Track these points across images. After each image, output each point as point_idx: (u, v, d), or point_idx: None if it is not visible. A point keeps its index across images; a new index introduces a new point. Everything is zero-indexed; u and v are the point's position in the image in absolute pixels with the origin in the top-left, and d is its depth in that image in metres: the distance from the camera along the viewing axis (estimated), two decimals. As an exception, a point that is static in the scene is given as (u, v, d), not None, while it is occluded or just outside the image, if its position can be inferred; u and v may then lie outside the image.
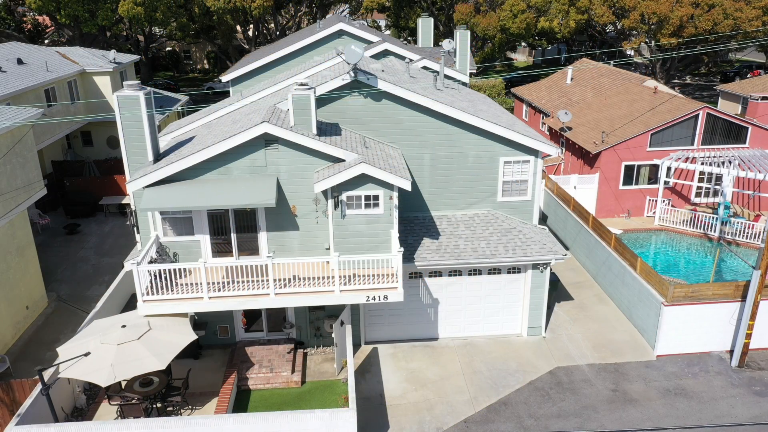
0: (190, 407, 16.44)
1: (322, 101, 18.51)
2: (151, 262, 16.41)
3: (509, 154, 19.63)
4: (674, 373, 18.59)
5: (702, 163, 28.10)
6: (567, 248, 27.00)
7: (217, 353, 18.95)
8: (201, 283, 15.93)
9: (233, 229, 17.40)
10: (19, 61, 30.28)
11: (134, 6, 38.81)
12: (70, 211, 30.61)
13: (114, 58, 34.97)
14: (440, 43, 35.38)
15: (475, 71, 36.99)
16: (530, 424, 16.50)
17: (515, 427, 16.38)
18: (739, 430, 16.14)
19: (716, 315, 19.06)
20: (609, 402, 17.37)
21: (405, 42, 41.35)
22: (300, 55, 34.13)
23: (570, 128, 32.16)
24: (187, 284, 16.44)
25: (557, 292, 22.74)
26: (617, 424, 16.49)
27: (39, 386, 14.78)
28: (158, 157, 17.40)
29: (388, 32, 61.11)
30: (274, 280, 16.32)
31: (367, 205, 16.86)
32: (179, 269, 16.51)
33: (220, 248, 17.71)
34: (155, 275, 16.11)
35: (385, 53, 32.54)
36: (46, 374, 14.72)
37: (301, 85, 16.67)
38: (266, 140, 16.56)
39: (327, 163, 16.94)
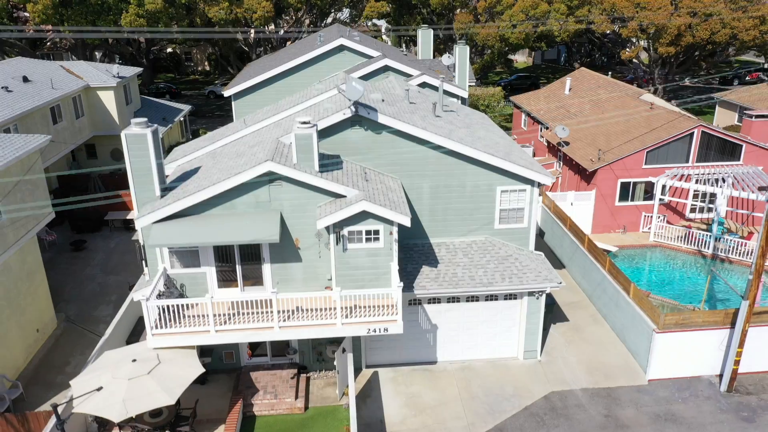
0: (197, 435, 17.09)
1: (324, 133, 19.03)
2: (159, 295, 17.00)
3: (506, 184, 20.17)
4: (665, 398, 19.22)
5: (696, 181, 28.65)
6: (563, 266, 27.58)
7: (223, 378, 19.57)
8: (207, 317, 16.52)
9: (238, 261, 17.97)
10: (25, 79, 30.74)
11: (137, 18, 39.19)
12: (75, 227, 31.19)
13: (117, 73, 35.42)
14: (441, 58, 35.76)
15: (474, 83, 37.44)
16: (525, 450, 17.15)
17: (511, 454, 17.04)
18: (725, 458, 16.80)
19: (706, 341, 19.67)
20: (601, 428, 18.00)
21: (405, 53, 41.65)
22: (301, 69, 34.62)
23: (567, 143, 32.64)
24: (193, 316, 17.03)
25: (553, 314, 23.32)
26: (609, 451, 17.15)
27: (54, 419, 15.41)
28: (165, 190, 17.94)
29: (388, 39, 61.33)
30: (279, 312, 16.91)
31: (368, 239, 17.42)
32: (185, 305, 17.07)
33: (226, 278, 18.29)
34: (164, 309, 16.69)
35: (385, 68, 32.99)
36: (61, 406, 15.33)
37: (304, 123, 17.17)
38: (270, 177, 17.10)
39: (329, 198, 17.49)
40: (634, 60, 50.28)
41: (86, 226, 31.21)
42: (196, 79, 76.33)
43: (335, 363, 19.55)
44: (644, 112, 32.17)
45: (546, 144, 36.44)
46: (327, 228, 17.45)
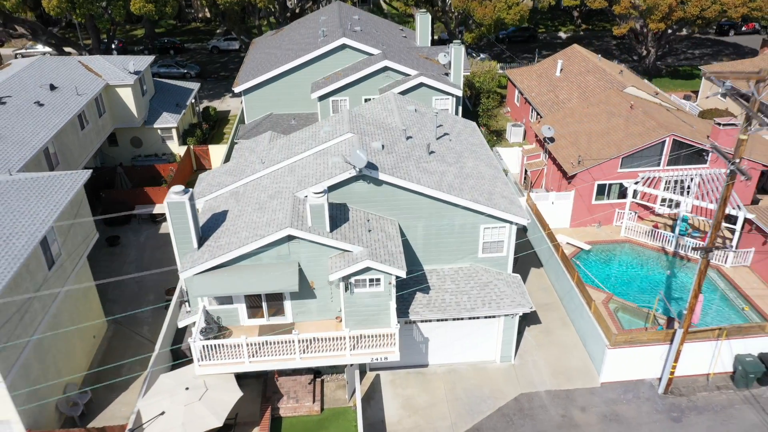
0: (237, 437, 21.66)
1: (334, 187, 22.29)
2: (202, 330, 20.97)
3: (488, 222, 23.64)
4: (612, 399, 23.67)
5: (665, 189, 31.99)
6: (542, 264, 31.42)
7: (252, 383, 23.93)
8: (242, 352, 20.58)
9: (264, 299, 21.81)
10: (52, 87, 33.21)
11: (145, 4, 40.71)
12: (107, 221, 34.77)
13: (133, 67, 37.62)
14: (439, 56, 37.82)
15: (468, 72, 39.60)
16: (496, 448, 21.77)
17: (484, 451, 21.66)
18: (652, 455, 21.42)
19: (650, 354, 23.86)
20: (558, 427, 22.54)
21: (404, 34, 43.22)
22: (306, 66, 37.15)
23: (553, 140, 35.50)
24: (232, 345, 21.08)
25: (527, 319, 27.36)
26: (562, 448, 21.75)
27: (128, 430, 19.84)
28: (200, 240, 21.45)
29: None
30: (299, 343, 20.94)
31: (371, 284, 21.14)
32: (226, 345, 21.04)
33: (254, 311, 22.21)
34: (208, 347, 20.71)
35: (385, 69, 35.40)
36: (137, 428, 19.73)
37: (317, 193, 20.41)
38: (290, 237, 20.59)
39: (339, 251, 21.04)
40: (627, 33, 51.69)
41: (116, 220, 34.77)
42: (197, 28, 76.82)
43: (345, 370, 23.85)
44: (625, 112, 34.80)
45: (535, 137, 39.17)
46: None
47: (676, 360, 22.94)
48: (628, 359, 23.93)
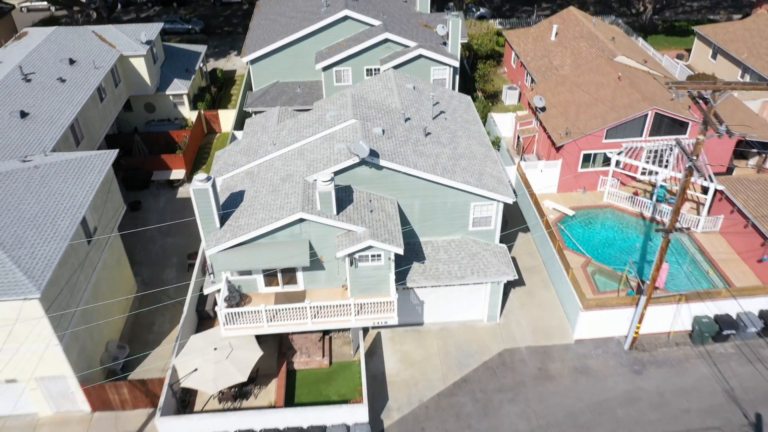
0: (259, 386, 25.21)
1: (339, 171, 24.91)
2: (226, 299, 24.14)
3: (478, 200, 26.37)
4: (584, 354, 27.11)
5: (646, 161, 34.50)
6: (529, 229, 34.33)
7: (270, 340, 27.29)
8: (262, 318, 23.81)
9: (279, 270, 24.85)
10: (71, 61, 35.16)
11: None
12: (128, 186, 37.48)
13: (145, 37, 39.31)
14: (437, 28, 39.35)
15: (465, 40, 41.20)
16: (480, 396, 25.35)
17: (470, 399, 25.25)
18: (611, 402, 24.98)
19: (618, 315, 27.12)
20: (534, 378, 26.08)
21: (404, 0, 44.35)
22: (311, 36, 39.17)
23: (545, 109, 37.65)
24: (252, 312, 24.28)
25: (513, 281, 30.45)
26: (537, 397, 25.33)
27: (167, 384, 23.31)
28: (222, 219, 24.26)
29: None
30: (310, 309, 24.14)
31: (373, 259, 24.10)
32: (247, 312, 24.19)
33: (270, 279, 25.30)
34: (233, 314, 23.92)
35: (386, 41, 37.22)
36: (175, 384, 23.20)
37: (325, 181, 23.03)
38: (301, 220, 23.41)
39: (345, 231, 23.89)
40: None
41: (136, 185, 37.49)
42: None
43: (350, 329, 27.19)
44: (612, 83, 36.76)
45: (528, 105, 41.18)
46: (343, 252, 24.10)
47: (639, 322, 26.20)
48: (599, 320, 27.21)
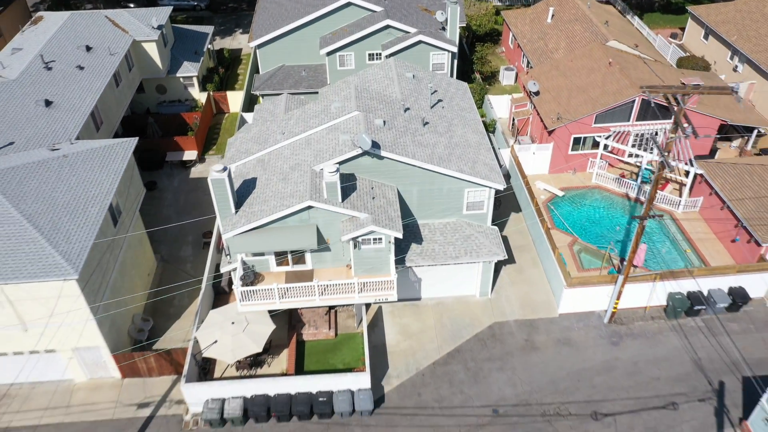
0: (272, 356, 27.95)
1: (344, 161, 27.09)
2: (242, 277, 26.65)
3: (471, 187, 28.62)
4: (566, 327, 29.73)
5: (633, 144, 36.54)
6: (521, 209, 36.62)
7: (281, 314, 29.92)
8: (275, 295, 26.34)
9: (289, 252, 27.29)
10: (87, 48, 36.95)
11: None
12: (143, 166, 39.68)
13: (156, 22, 40.94)
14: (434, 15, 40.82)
15: (464, 24, 42.74)
16: (472, 365, 28.07)
17: (462, 367, 27.98)
18: (590, 371, 27.69)
19: (599, 292, 29.64)
20: (521, 349, 28.76)
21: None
22: (315, 22, 40.64)
23: (538, 93, 39.51)
24: (266, 290, 26.80)
25: (504, 260, 32.87)
26: (523, 365, 28.05)
27: (190, 354, 26.01)
28: (237, 205, 26.57)
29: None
30: (318, 287, 26.65)
31: (374, 242, 26.50)
32: (261, 290, 26.67)
33: (280, 260, 27.77)
34: (248, 291, 26.45)
35: (387, 27, 38.87)
36: (198, 354, 25.88)
37: (331, 172, 25.23)
38: (309, 207, 25.72)
39: (349, 216, 26.22)
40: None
41: (151, 165, 39.69)
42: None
43: (354, 304, 29.77)
44: (603, 68, 38.51)
45: (522, 89, 42.96)
46: (347, 236, 26.48)
47: (618, 298, 28.72)
48: (581, 296, 29.74)
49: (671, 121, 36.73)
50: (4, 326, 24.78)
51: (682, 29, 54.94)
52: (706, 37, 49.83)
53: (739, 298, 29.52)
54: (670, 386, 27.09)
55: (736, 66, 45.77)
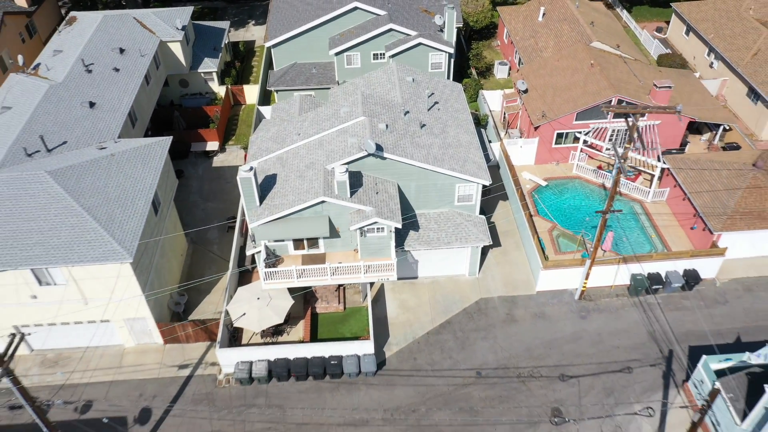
0: (291, 326, 32.96)
1: (351, 161, 31.60)
2: (265, 259, 31.44)
3: (462, 182, 33.17)
4: (542, 302, 34.56)
5: (612, 132, 40.85)
6: (507, 198, 41.16)
7: (298, 291, 34.79)
8: (293, 274, 31.17)
9: (305, 238, 32.03)
10: (121, 50, 41.12)
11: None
12: (171, 156, 44.15)
13: (180, 23, 44.96)
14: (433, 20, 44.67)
15: (461, 24, 46.58)
16: (460, 335, 33.03)
17: (452, 336, 32.94)
18: (560, 340, 32.61)
19: (571, 273, 34.39)
20: (502, 321, 33.67)
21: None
22: (324, 25, 44.61)
23: (527, 91, 43.65)
24: (286, 270, 31.59)
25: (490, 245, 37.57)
26: (504, 335, 32.98)
27: (222, 324, 30.99)
28: (261, 198, 31.18)
29: None
30: (330, 269, 31.44)
31: (378, 231, 31.18)
32: (282, 271, 31.43)
33: (297, 244, 32.52)
34: (271, 272, 31.26)
35: (390, 31, 42.90)
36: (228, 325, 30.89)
37: (341, 172, 29.75)
38: (322, 201, 30.36)
39: (356, 209, 30.86)
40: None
41: (178, 155, 44.20)
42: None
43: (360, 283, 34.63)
44: (586, 69, 42.56)
45: (512, 86, 46.99)
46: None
47: (586, 279, 33.48)
48: (556, 276, 34.50)
49: (645, 117, 41.08)
50: (70, 300, 29.72)
51: (668, 23, 58.41)
52: (687, 33, 53.47)
53: (691, 279, 34.25)
54: (627, 353, 32.02)
55: (712, 63, 49.62)
